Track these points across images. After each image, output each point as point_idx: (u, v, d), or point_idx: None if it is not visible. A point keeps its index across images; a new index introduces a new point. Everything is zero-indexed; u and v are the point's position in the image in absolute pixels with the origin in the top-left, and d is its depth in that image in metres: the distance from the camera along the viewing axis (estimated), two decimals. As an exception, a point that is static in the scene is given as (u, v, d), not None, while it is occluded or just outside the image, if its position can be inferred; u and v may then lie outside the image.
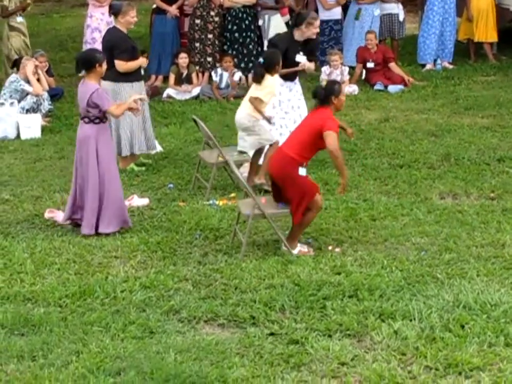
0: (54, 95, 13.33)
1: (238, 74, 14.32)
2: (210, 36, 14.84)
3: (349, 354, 5.96)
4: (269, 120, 9.62)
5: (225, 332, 6.42)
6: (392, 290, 6.88)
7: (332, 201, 9.04)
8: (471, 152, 10.60)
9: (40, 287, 7.13)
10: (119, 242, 8.10)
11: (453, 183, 9.57)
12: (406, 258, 7.55)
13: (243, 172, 9.48)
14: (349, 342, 6.16)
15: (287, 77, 10.11)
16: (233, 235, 8.06)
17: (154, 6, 15.50)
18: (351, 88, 13.96)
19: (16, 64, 13.32)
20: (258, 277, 7.25)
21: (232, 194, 9.39)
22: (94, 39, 14.27)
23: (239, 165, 9.45)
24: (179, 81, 14.16)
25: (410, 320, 6.39)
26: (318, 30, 10.20)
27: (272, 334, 6.30)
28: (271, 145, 9.40)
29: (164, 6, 15.04)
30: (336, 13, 15.49)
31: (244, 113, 9.50)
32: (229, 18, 14.95)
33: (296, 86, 10.29)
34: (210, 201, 9.15)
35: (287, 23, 15.07)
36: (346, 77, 14.24)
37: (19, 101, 12.49)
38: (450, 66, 15.24)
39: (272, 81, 9.44)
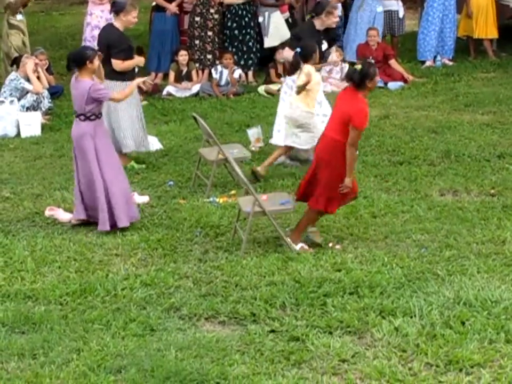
0: (54, 93, 13.33)
1: (238, 72, 14.32)
2: (210, 33, 14.84)
3: (350, 351, 5.97)
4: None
5: (225, 329, 6.43)
6: (392, 287, 6.88)
7: (332, 198, 9.04)
8: (471, 149, 10.60)
9: (41, 285, 7.13)
10: (119, 240, 8.10)
11: (453, 179, 9.57)
12: (406, 255, 7.55)
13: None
14: (350, 339, 6.16)
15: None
16: (233, 232, 8.06)
17: (153, 3, 15.49)
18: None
19: (15, 62, 13.32)
20: (258, 274, 7.25)
21: (233, 192, 9.39)
22: (93, 37, 14.21)
23: (239, 162, 9.45)
24: (179, 78, 14.16)
25: (411, 317, 6.39)
26: (338, 19, 10.24)
27: (272, 331, 6.30)
28: None
29: (164, 3, 15.02)
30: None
31: (299, 111, 9.57)
32: (229, 15, 14.95)
33: (318, 77, 10.32)
34: (211, 199, 9.16)
35: (286, 20, 15.08)
36: (346, 74, 14.20)
37: (19, 99, 12.48)
38: (450, 63, 15.23)
39: (312, 69, 9.55)
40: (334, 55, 13.97)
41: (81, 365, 5.85)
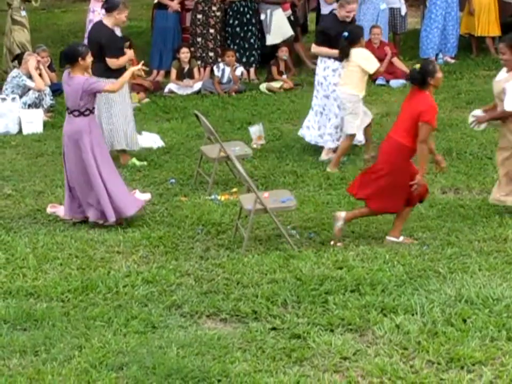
0: (56, 90, 13.31)
1: (240, 69, 14.32)
2: (212, 30, 14.83)
3: (351, 349, 5.97)
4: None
5: (227, 326, 6.43)
6: (394, 284, 6.88)
7: (333, 196, 9.04)
8: (473, 147, 10.60)
9: (43, 282, 7.14)
10: (121, 237, 8.11)
11: (454, 177, 9.56)
12: (408, 253, 7.55)
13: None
14: (351, 337, 6.16)
15: (336, 58, 10.25)
16: (235, 230, 8.06)
17: (155, 0, 15.48)
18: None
19: (17, 59, 13.32)
20: (260, 271, 7.25)
21: (234, 189, 9.39)
22: (95, 34, 14.26)
23: (241, 159, 9.45)
24: (181, 76, 14.16)
25: (412, 315, 6.39)
26: (350, 14, 10.31)
27: (274, 328, 6.30)
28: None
29: (166, 1, 15.02)
30: (338, 7, 15.46)
31: (346, 93, 9.83)
32: (231, 12, 14.94)
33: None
34: (212, 196, 9.16)
35: (288, 18, 15.07)
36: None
37: (21, 96, 12.49)
38: (452, 61, 15.22)
39: (360, 52, 9.82)
40: None
41: (83, 361, 5.85)
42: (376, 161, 7.99)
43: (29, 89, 12.58)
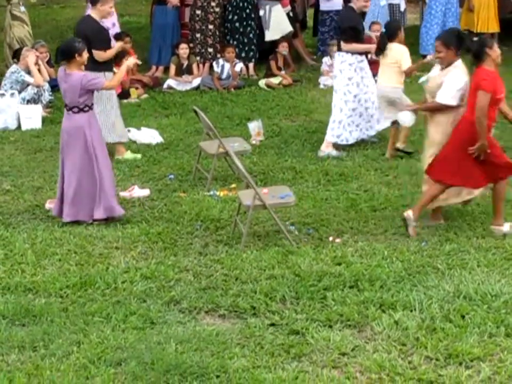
0: (55, 86, 13.24)
1: (239, 65, 14.32)
2: (211, 26, 14.82)
3: (350, 345, 5.97)
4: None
5: (226, 322, 6.43)
6: (392, 281, 6.89)
7: (332, 192, 9.05)
8: (472, 143, 10.58)
9: (41, 278, 7.13)
10: (120, 233, 8.10)
11: (453, 173, 9.55)
12: (406, 249, 7.55)
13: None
14: (350, 333, 6.16)
15: (361, 52, 10.44)
16: (233, 226, 8.06)
17: (154, -4, 15.49)
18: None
19: (16, 55, 13.31)
20: (259, 267, 7.25)
21: (233, 185, 9.39)
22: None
23: (240, 155, 9.45)
24: (179, 72, 14.15)
25: (411, 311, 6.40)
26: (368, 3, 10.50)
27: (272, 324, 6.31)
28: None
29: (164, -4, 15.02)
30: (337, 3, 15.45)
31: (389, 87, 10.05)
32: (230, 8, 14.94)
33: (365, 62, 10.57)
34: (211, 192, 9.15)
35: (287, 14, 15.06)
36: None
37: (20, 92, 12.48)
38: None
39: (399, 47, 10.07)
40: (325, 65, 14.08)
41: (82, 357, 5.86)
42: (449, 141, 7.94)
43: (28, 85, 12.57)
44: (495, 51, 7.86)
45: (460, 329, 6.10)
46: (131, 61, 9.17)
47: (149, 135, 11.17)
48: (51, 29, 18.63)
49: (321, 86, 13.91)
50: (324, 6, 15.58)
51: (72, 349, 5.97)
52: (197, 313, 6.55)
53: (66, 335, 6.18)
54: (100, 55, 9.80)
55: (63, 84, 8.31)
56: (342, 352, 5.90)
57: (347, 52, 10.30)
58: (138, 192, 9.16)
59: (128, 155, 10.35)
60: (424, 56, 15.21)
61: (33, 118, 12.05)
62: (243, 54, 14.80)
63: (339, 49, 10.48)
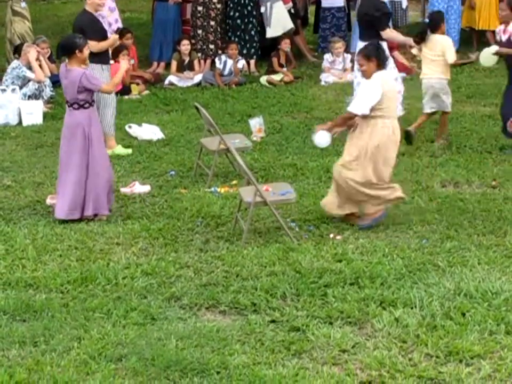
0: (56, 82, 13.24)
1: (241, 62, 14.32)
2: (212, 22, 14.82)
3: (350, 342, 5.98)
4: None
5: (226, 318, 6.43)
6: (393, 278, 6.89)
7: (333, 189, 9.04)
8: (473, 141, 10.60)
9: (42, 273, 7.14)
10: (120, 229, 8.11)
11: (454, 171, 9.56)
12: (407, 246, 7.56)
13: None
14: (350, 330, 6.17)
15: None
16: (234, 222, 8.06)
17: (156, -8, 15.48)
18: (353, 76, 13.92)
19: (17, 51, 13.31)
20: (259, 264, 7.25)
21: (234, 182, 9.39)
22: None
23: (241, 152, 9.45)
24: (181, 68, 14.15)
25: (411, 308, 6.40)
26: None
27: (273, 321, 6.31)
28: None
29: (166, -8, 15.01)
30: (339, 0, 15.47)
31: (435, 78, 10.17)
32: (231, 5, 14.93)
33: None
34: (212, 189, 9.15)
35: (289, 11, 15.06)
36: (349, 65, 14.23)
37: (21, 87, 12.48)
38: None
39: (444, 39, 10.20)
40: (326, 62, 14.06)
41: (82, 353, 5.86)
42: None
43: (29, 81, 12.57)
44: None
45: (460, 326, 6.11)
46: (123, 65, 9.06)
47: (150, 131, 11.17)
48: (52, 25, 18.63)
49: (323, 83, 13.91)
50: (325, 3, 15.58)
51: (72, 345, 5.98)
52: (197, 309, 6.56)
53: (67, 330, 6.19)
54: (92, 45, 9.79)
55: (64, 79, 8.30)
56: (343, 349, 5.90)
57: (383, 40, 10.32)
58: (139, 188, 9.17)
59: (119, 149, 10.32)
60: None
61: (34, 113, 12.06)
62: (244, 51, 14.80)
63: (365, 40, 10.40)
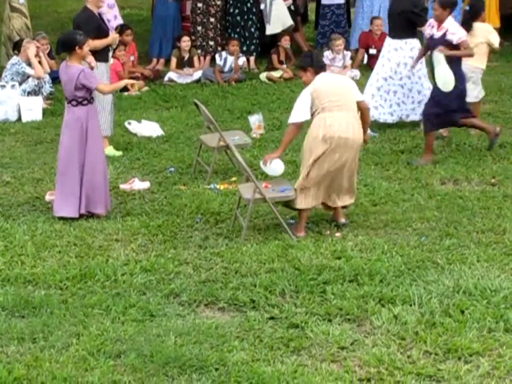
0: (55, 78, 13.23)
1: (242, 59, 14.31)
2: (212, 19, 14.82)
3: (349, 339, 5.98)
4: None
5: (225, 315, 6.44)
6: (392, 275, 6.89)
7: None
8: (472, 138, 10.60)
9: (41, 270, 7.14)
10: (119, 225, 8.10)
11: (454, 168, 9.57)
12: (406, 244, 7.56)
13: None
14: (349, 327, 6.17)
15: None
16: (234, 219, 8.06)
17: (156, -11, 15.46)
18: (352, 73, 13.93)
19: (17, 46, 13.30)
20: (258, 261, 7.25)
21: (233, 179, 9.39)
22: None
23: (240, 148, 9.44)
24: (181, 64, 14.14)
25: (410, 305, 6.40)
26: None
27: (272, 318, 6.31)
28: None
29: (166, -11, 15.00)
30: (339, -3, 15.49)
31: (469, 65, 10.20)
32: (231, 1, 14.92)
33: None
34: (211, 185, 9.15)
35: (289, 8, 15.05)
36: (348, 62, 14.24)
37: (20, 84, 12.47)
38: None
39: (485, 26, 10.39)
40: (326, 59, 14.05)
41: (81, 349, 5.86)
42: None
43: (28, 77, 12.56)
44: None
45: (459, 324, 6.11)
46: (131, 81, 9.11)
47: (149, 128, 11.17)
48: (52, 21, 18.62)
49: (322, 80, 13.90)
50: (325, 0, 15.57)
51: (71, 341, 5.98)
52: (196, 306, 6.56)
53: (66, 327, 6.19)
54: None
55: (64, 76, 8.30)
56: (341, 346, 5.90)
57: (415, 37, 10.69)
58: (139, 184, 9.16)
59: (109, 151, 10.23)
60: None
61: (33, 109, 12.05)
62: (244, 48, 14.79)
63: (402, 37, 10.70)
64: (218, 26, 14.88)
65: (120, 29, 13.19)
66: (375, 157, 10.05)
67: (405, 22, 10.66)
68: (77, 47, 8.17)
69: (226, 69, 14.03)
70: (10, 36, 14.38)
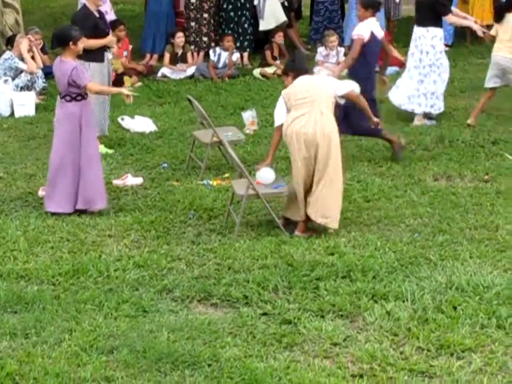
0: (48, 73, 13.21)
1: (236, 55, 14.30)
2: (206, 15, 14.79)
3: (341, 335, 5.98)
4: None
5: (218, 311, 6.43)
6: (385, 271, 6.89)
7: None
8: (466, 135, 10.61)
9: (34, 265, 7.12)
10: (112, 221, 8.09)
11: (447, 165, 9.57)
12: (399, 240, 7.56)
13: None
14: (342, 323, 6.17)
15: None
16: (227, 215, 8.06)
17: (149, -16, 15.41)
18: (346, 69, 13.92)
19: (10, 42, 13.26)
20: (251, 257, 7.25)
21: (226, 175, 9.38)
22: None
23: (234, 144, 9.44)
24: (174, 60, 14.12)
25: (403, 301, 6.41)
26: None
27: (265, 314, 6.31)
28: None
29: (159, -16, 14.96)
30: (332, -7, 15.46)
31: (502, 56, 10.57)
32: (224, -3, 14.91)
33: None
34: (204, 181, 9.15)
35: (282, 4, 15.03)
36: (342, 58, 14.21)
37: (13, 79, 12.43)
38: (446, 48, 15.18)
39: None
40: (319, 55, 14.07)
41: (73, 345, 5.85)
42: None
43: (21, 72, 12.53)
44: None
45: (452, 320, 6.12)
46: (126, 91, 8.99)
47: (142, 124, 11.15)
48: (45, 16, 18.56)
49: (316, 76, 13.89)
50: (320, -4, 15.56)
51: (64, 337, 5.97)
52: (189, 302, 6.55)
53: (58, 322, 6.18)
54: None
55: (57, 71, 8.27)
56: (334, 342, 5.91)
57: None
58: (132, 180, 9.15)
59: (101, 149, 10.17)
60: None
61: (26, 105, 12.02)
62: (238, 44, 14.76)
63: (425, 25, 10.91)
64: (212, 22, 14.86)
65: (113, 25, 13.15)
66: (368, 153, 10.05)
67: (430, 11, 10.90)
68: (71, 43, 8.15)
69: (220, 65, 14.01)
70: (3, 31, 14.34)
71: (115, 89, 9.22)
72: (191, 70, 14.04)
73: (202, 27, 14.80)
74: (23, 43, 12.62)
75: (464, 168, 9.44)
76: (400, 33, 16.07)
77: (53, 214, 8.22)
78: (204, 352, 5.73)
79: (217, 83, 13.53)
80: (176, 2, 15.35)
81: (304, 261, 7.10)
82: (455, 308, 6.29)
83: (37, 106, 12.16)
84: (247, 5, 14.89)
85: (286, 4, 15.17)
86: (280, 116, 7.87)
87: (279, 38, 14.31)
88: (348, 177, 9.19)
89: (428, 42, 11.00)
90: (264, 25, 14.80)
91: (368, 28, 9.68)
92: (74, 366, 5.63)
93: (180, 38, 14.12)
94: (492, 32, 11.09)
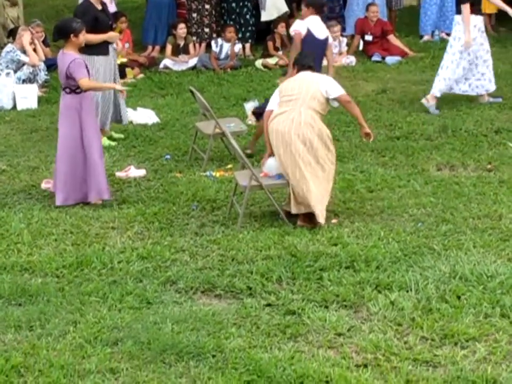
0: (51, 66, 13.24)
1: (238, 46, 14.28)
2: (207, 6, 14.77)
3: (346, 325, 5.98)
4: None
5: (222, 302, 6.44)
6: (388, 261, 6.89)
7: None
8: (469, 124, 10.59)
9: (37, 258, 7.13)
10: (116, 213, 8.10)
11: (450, 154, 9.56)
12: (402, 230, 7.56)
13: None
14: (346, 313, 6.17)
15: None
16: (230, 206, 8.06)
17: (151, -25, 15.39)
18: (348, 59, 13.93)
19: (12, 34, 13.26)
20: (255, 248, 7.25)
21: (229, 166, 9.38)
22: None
23: (236, 136, 9.43)
24: (176, 51, 14.11)
25: (407, 291, 6.41)
26: None
27: (269, 304, 6.32)
28: None
29: (161, -25, 14.94)
30: (335, -16, 15.44)
31: None
32: (226, -12, 14.88)
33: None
34: (207, 173, 9.15)
35: (283, -6, 15.01)
36: (344, 48, 14.22)
37: (15, 71, 12.44)
38: (448, 37, 15.16)
39: None
40: None
41: (78, 337, 5.86)
42: None
43: (23, 64, 12.53)
44: None
45: (456, 309, 6.12)
46: (118, 86, 9.01)
47: (145, 115, 11.15)
48: (47, 8, 18.54)
49: (318, 67, 13.87)
50: (321, -14, 15.51)
51: (68, 329, 5.98)
52: (193, 293, 6.56)
53: (63, 314, 6.19)
54: None
55: (60, 63, 8.29)
56: (338, 332, 5.91)
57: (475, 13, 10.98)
58: (135, 172, 9.16)
59: (104, 141, 10.17)
60: (422, 37, 15.25)
61: (28, 97, 12.02)
62: (240, 35, 14.75)
63: (459, 12, 11.01)
64: (214, 13, 14.84)
65: (115, 16, 13.12)
66: (371, 143, 10.01)
67: None
68: (72, 35, 8.14)
69: (222, 56, 14.00)
70: (4, 24, 14.33)
71: (106, 85, 9.19)
72: (193, 61, 14.03)
73: (204, 18, 14.78)
74: (25, 36, 12.62)
75: (467, 158, 9.44)
76: (401, 23, 16.06)
77: (57, 206, 8.22)
78: (208, 343, 5.74)
79: (219, 74, 13.52)
80: (177, -6, 15.33)
81: (308, 251, 7.11)
82: (459, 298, 6.29)
83: (39, 99, 12.16)
84: (249, -4, 14.88)
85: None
86: (270, 103, 7.99)
87: (281, 29, 14.29)
88: (351, 167, 9.20)
89: (461, 29, 11.05)
90: (266, 16, 14.78)
91: (305, 24, 9.89)
92: (79, 358, 5.64)
93: (181, 29, 14.10)
94: None
